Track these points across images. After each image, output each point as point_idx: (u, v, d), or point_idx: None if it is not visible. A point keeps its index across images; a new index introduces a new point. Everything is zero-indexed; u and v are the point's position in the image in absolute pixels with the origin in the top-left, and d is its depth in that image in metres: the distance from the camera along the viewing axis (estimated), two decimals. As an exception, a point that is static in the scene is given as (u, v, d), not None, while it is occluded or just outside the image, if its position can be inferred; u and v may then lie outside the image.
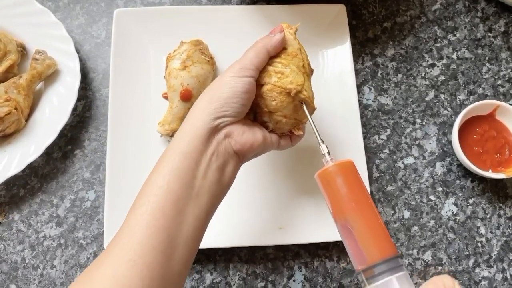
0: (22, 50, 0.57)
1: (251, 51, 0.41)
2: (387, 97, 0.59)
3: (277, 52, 0.42)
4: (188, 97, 0.52)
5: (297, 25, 0.45)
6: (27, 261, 0.52)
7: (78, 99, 0.56)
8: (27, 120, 0.55)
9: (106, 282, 0.30)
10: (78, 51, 0.58)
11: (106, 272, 0.31)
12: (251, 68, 0.40)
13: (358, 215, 0.36)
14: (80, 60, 0.57)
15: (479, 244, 0.53)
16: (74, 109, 0.57)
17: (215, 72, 0.57)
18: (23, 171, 0.54)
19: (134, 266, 0.31)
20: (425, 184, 0.55)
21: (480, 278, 0.52)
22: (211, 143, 0.37)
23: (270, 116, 0.42)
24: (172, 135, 0.53)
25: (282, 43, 0.42)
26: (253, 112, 0.44)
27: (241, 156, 0.40)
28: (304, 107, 0.43)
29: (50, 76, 0.56)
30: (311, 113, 0.44)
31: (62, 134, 0.56)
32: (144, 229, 0.32)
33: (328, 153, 0.40)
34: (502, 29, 0.62)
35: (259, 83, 0.42)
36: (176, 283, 0.34)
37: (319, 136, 0.42)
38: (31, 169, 0.55)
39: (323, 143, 0.41)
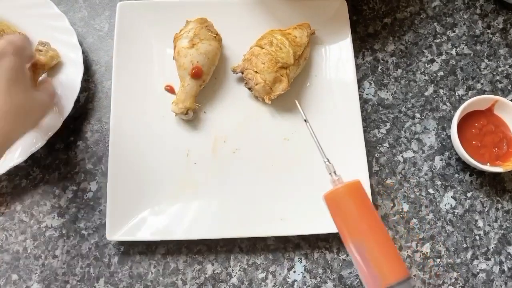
0: (25, 42, 0.58)
1: None
2: (387, 91, 0.60)
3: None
4: (199, 74, 0.53)
5: (314, 30, 0.57)
6: (28, 251, 0.52)
7: (81, 91, 0.57)
8: (29, 111, 0.55)
9: None
10: (81, 44, 0.58)
11: None
12: None
13: (371, 237, 0.36)
14: (83, 52, 0.57)
15: (477, 237, 0.54)
16: (77, 101, 0.57)
17: (222, 50, 0.58)
18: (25, 161, 0.54)
19: None
20: (424, 177, 0.56)
21: (478, 270, 0.52)
22: None
23: (255, 75, 0.53)
24: (186, 113, 0.53)
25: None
26: (242, 69, 0.54)
27: None
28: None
29: (53, 67, 0.56)
30: (282, 90, 0.53)
31: (64, 125, 0.56)
32: None
33: (335, 172, 0.39)
34: (501, 26, 0.63)
35: (259, 45, 0.53)
36: None
37: (324, 153, 0.41)
38: (34, 159, 0.55)
39: (329, 161, 0.40)
